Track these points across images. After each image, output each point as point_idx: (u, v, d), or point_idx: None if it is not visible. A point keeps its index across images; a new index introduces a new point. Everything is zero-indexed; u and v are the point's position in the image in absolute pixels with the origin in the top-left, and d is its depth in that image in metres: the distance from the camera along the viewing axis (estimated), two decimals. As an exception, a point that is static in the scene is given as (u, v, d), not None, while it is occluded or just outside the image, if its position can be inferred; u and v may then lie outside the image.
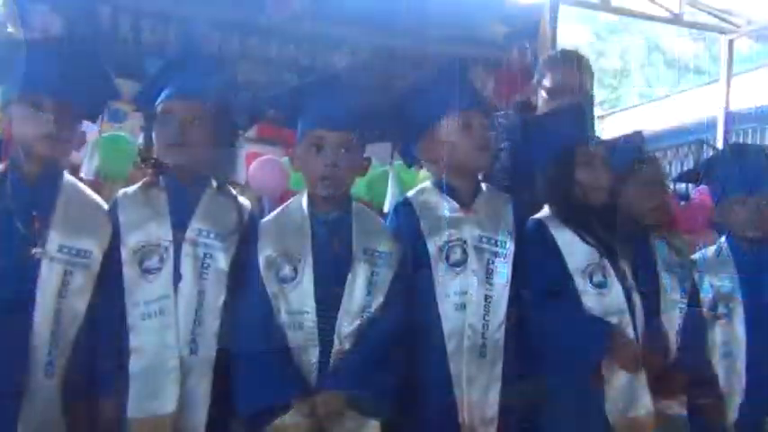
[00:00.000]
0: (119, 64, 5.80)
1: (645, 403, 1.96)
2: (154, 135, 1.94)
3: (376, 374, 1.82)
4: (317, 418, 1.75)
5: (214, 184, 1.97)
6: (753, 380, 2.25)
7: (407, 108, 2.08)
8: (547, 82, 2.62)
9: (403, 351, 1.89)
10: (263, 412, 1.78)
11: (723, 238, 2.46)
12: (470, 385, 1.87)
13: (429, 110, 2.06)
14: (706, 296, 2.33)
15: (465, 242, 1.96)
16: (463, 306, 1.92)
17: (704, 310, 2.31)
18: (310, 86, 2.05)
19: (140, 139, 3.45)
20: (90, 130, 3.65)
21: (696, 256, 2.49)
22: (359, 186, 3.45)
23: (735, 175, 2.41)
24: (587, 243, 2.04)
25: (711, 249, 2.47)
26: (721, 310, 2.31)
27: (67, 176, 1.91)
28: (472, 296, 1.92)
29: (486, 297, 1.93)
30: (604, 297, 2.00)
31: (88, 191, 1.93)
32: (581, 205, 2.09)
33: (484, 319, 1.91)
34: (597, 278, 2.01)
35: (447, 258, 1.96)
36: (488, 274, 1.95)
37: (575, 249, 2.04)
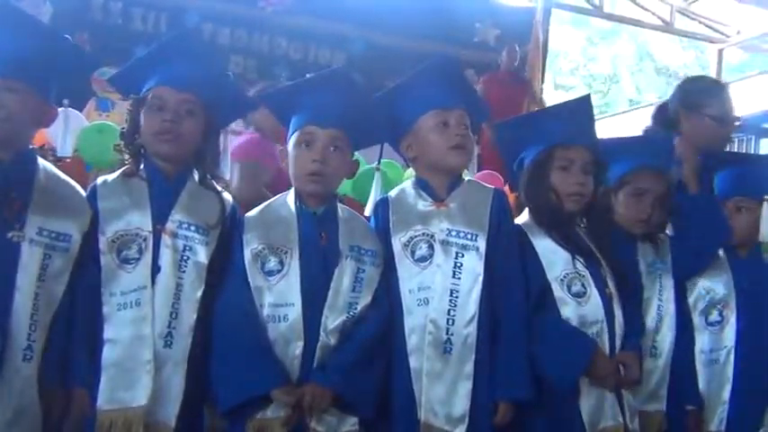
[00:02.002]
0: (107, 52, 5.81)
1: (614, 414, 1.93)
2: (142, 121, 1.88)
3: (362, 373, 1.81)
4: (298, 411, 1.73)
5: (196, 176, 1.93)
6: (742, 389, 2.22)
7: (392, 106, 2.08)
8: (714, 110, 2.63)
9: (385, 351, 1.87)
10: (244, 407, 1.76)
11: None
12: (432, 382, 1.83)
13: (410, 107, 2.03)
14: (699, 302, 2.31)
15: (432, 237, 1.93)
16: (426, 301, 1.88)
17: (695, 315, 2.30)
18: (305, 83, 2.02)
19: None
20: (76, 118, 3.66)
21: None
22: (345, 185, 3.46)
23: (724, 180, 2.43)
24: (566, 251, 2.00)
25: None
26: (714, 316, 2.30)
27: (41, 160, 1.88)
28: (436, 291, 1.89)
29: (452, 291, 1.87)
30: (582, 306, 1.96)
31: (64, 175, 1.89)
32: (557, 211, 2.05)
33: (449, 314, 1.86)
34: (576, 287, 1.97)
35: (412, 254, 1.93)
36: (456, 268, 1.90)
37: (553, 257, 2.00)
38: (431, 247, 1.92)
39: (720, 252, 2.35)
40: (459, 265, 1.91)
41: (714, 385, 2.23)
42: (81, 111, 4.05)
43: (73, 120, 3.40)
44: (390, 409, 1.87)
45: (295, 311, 1.78)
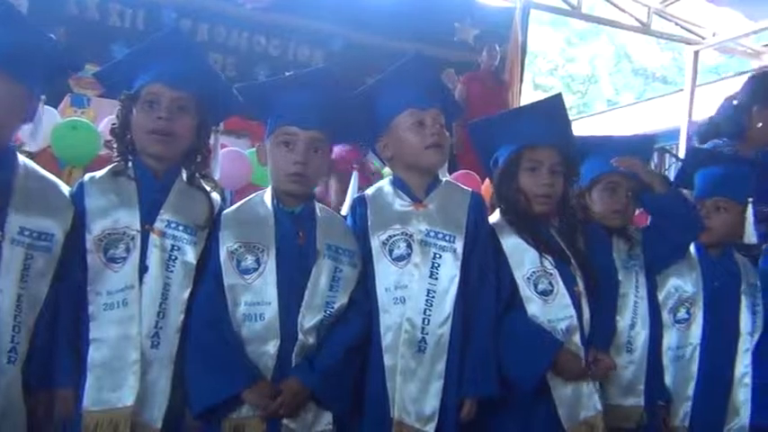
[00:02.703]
0: (85, 48, 5.74)
1: (593, 404, 1.96)
2: (134, 120, 1.86)
3: (341, 375, 1.82)
4: (273, 409, 1.73)
5: (185, 176, 1.92)
6: (706, 385, 2.27)
7: (367, 104, 2.07)
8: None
9: (362, 351, 1.89)
10: (218, 408, 1.74)
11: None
12: (406, 380, 1.84)
13: (385, 107, 2.04)
14: (668, 299, 2.35)
15: (411, 236, 1.94)
16: (403, 300, 1.89)
17: (665, 312, 2.33)
18: (286, 81, 2.02)
19: (101, 126, 3.39)
20: (49, 114, 3.61)
21: None
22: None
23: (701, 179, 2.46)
24: (534, 250, 2.02)
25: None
26: (682, 314, 2.34)
27: (22, 157, 1.85)
28: (413, 290, 1.90)
29: (429, 291, 1.89)
30: (549, 305, 1.99)
31: (46, 172, 1.87)
32: (526, 212, 2.07)
33: (424, 313, 1.88)
34: (543, 285, 2.00)
35: (390, 252, 1.94)
36: (433, 268, 1.91)
37: (521, 256, 2.03)
38: (409, 246, 1.93)
39: (692, 251, 2.38)
40: (436, 265, 1.92)
41: (680, 381, 2.28)
42: (56, 107, 4.00)
43: (45, 116, 3.36)
44: (363, 406, 1.88)
45: (271, 310, 1.78)
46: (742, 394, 2.25)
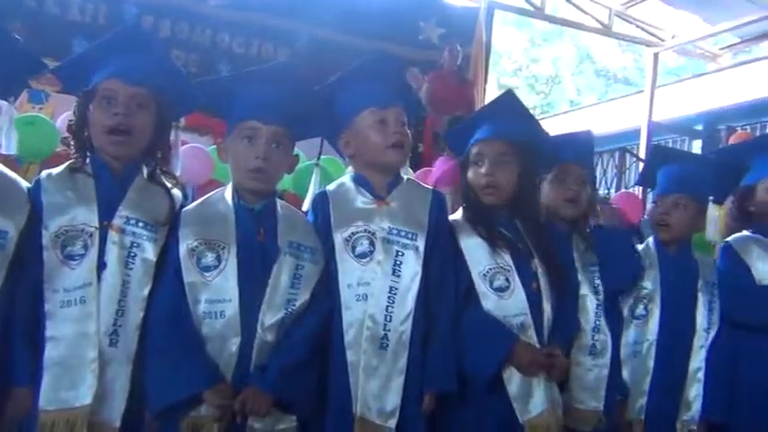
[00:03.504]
0: (44, 43, 5.63)
1: (540, 402, 1.96)
2: (91, 117, 1.82)
3: (303, 374, 1.80)
4: (235, 414, 1.71)
5: (145, 172, 1.89)
6: (661, 380, 2.30)
7: (329, 100, 2.07)
8: None
9: (323, 349, 1.88)
10: (177, 407, 1.70)
11: (651, 239, 2.50)
12: (368, 376, 1.84)
13: (348, 104, 2.03)
14: (627, 296, 2.37)
15: (373, 234, 1.93)
16: (365, 297, 1.88)
17: (624, 309, 2.36)
18: (248, 76, 1.98)
19: (59, 122, 3.32)
20: (7, 110, 3.53)
21: None
22: (286, 180, 3.44)
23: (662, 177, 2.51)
24: (490, 246, 2.03)
25: (638, 249, 2.48)
26: (640, 310, 2.37)
27: None
28: (375, 287, 1.90)
29: (391, 288, 1.89)
30: (505, 301, 1.98)
31: (4, 168, 1.82)
32: (477, 206, 2.10)
33: (387, 310, 1.88)
34: (498, 282, 2.01)
35: (353, 249, 1.94)
36: (396, 265, 1.91)
37: (477, 253, 2.04)
38: (372, 244, 1.93)
39: (652, 248, 2.43)
40: (398, 263, 1.93)
41: (636, 376, 2.32)
42: (14, 103, 3.91)
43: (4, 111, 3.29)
44: (326, 403, 1.87)
45: (232, 307, 1.76)
46: (695, 389, 2.29)
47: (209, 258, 1.79)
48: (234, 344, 1.75)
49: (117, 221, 1.77)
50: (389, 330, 1.88)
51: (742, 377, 2.33)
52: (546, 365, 1.97)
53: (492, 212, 2.09)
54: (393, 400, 1.85)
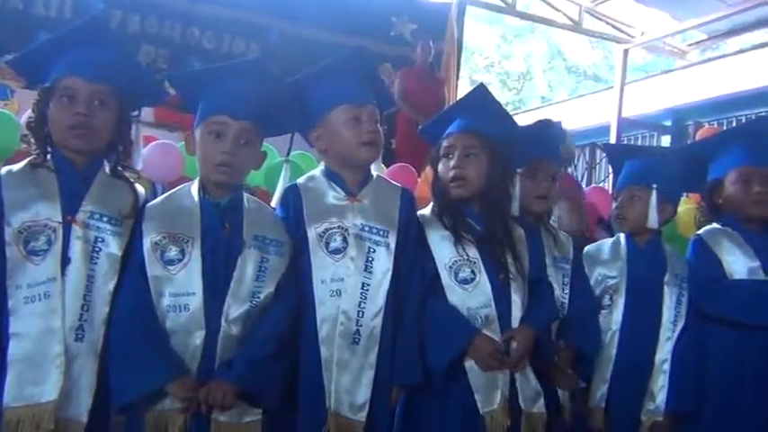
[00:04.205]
0: (7, 38, 5.51)
1: (498, 397, 1.97)
2: (51, 115, 1.81)
3: (269, 366, 1.80)
4: (199, 405, 1.71)
5: (107, 167, 1.89)
6: (625, 368, 2.34)
7: (302, 95, 2.07)
8: None
9: (291, 342, 1.89)
10: (142, 400, 1.71)
11: (622, 234, 2.52)
12: (341, 371, 1.87)
13: (321, 99, 2.04)
14: (595, 287, 2.41)
15: (346, 230, 1.96)
16: (338, 292, 1.91)
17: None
18: (219, 70, 2.00)
19: (23, 119, 3.26)
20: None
21: (591, 247, 2.57)
22: (257, 175, 3.41)
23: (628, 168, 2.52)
24: (456, 239, 2.05)
25: (608, 242, 2.54)
26: (606, 301, 2.41)
27: None
28: (349, 283, 1.92)
29: (364, 285, 1.92)
30: (469, 293, 2.01)
31: None
32: (451, 200, 2.11)
33: (359, 306, 1.91)
34: (464, 274, 2.03)
35: (326, 245, 1.95)
36: (368, 262, 1.94)
37: (443, 246, 2.06)
38: (345, 240, 1.95)
39: (622, 241, 2.47)
40: (370, 259, 1.96)
41: (598, 364, 2.36)
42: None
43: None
44: (297, 398, 1.89)
45: (196, 301, 1.77)
46: (660, 380, 2.32)
47: (173, 252, 1.79)
48: (198, 337, 1.75)
49: (80, 216, 1.77)
50: (361, 326, 1.91)
51: (710, 370, 2.36)
52: (505, 363, 1.97)
53: (460, 205, 2.11)
54: (364, 393, 1.88)
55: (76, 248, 1.74)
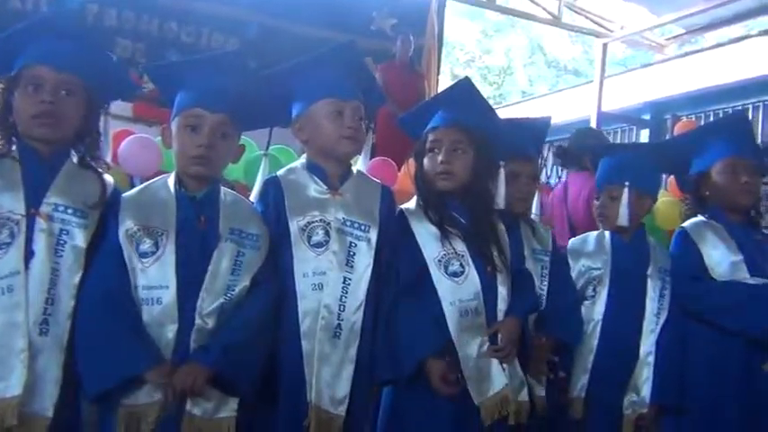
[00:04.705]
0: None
1: (500, 379, 1.99)
2: (16, 103, 1.78)
3: (244, 353, 1.79)
4: (176, 393, 1.69)
5: (74, 157, 1.86)
6: (608, 360, 2.37)
7: (286, 83, 2.05)
8: None
9: (270, 334, 1.88)
10: (115, 392, 1.69)
11: None
12: (322, 365, 1.88)
13: (306, 90, 2.04)
14: (579, 279, 2.44)
15: (329, 224, 1.96)
16: (320, 286, 1.92)
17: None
18: (195, 62, 1.99)
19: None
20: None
21: (576, 239, 2.60)
22: (236, 169, 3.39)
23: (603, 168, 2.55)
24: (443, 233, 2.06)
25: (593, 234, 2.56)
26: (589, 292, 2.43)
27: None
28: (330, 277, 1.92)
29: (345, 279, 1.93)
30: (459, 285, 2.02)
31: None
32: (436, 193, 2.11)
33: (341, 300, 1.92)
34: (453, 267, 2.04)
35: (308, 239, 1.95)
36: (349, 256, 1.95)
37: (431, 240, 2.06)
38: (327, 234, 1.95)
39: (606, 233, 2.48)
40: (352, 253, 1.96)
41: (580, 354, 2.38)
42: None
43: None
44: (278, 391, 1.88)
45: (169, 294, 1.75)
46: (645, 372, 2.34)
47: (147, 245, 1.77)
48: (171, 331, 1.73)
49: (45, 209, 1.74)
50: (343, 320, 1.91)
51: (692, 366, 2.38)
52: (453, 390, 1.96)
53: (445, 199, 2.11)
54: (344, 387, 1.88)
55: (40, 241, 1.71)
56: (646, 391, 2.33)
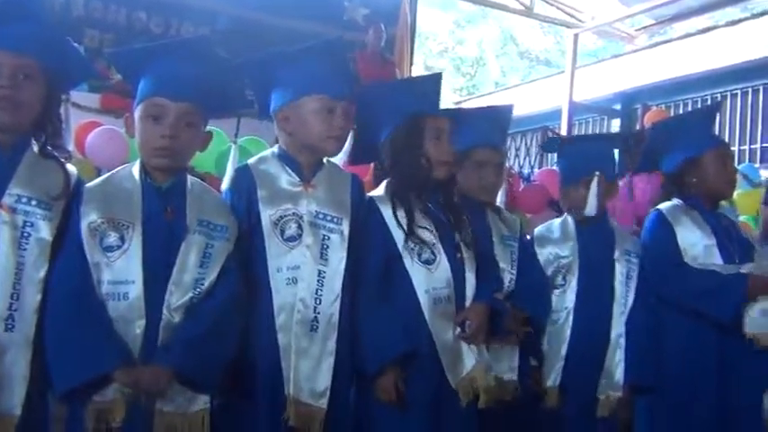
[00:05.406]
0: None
1: (469, 358, 2.02)
2: None
3: (209, 349, 1.73)
4: (141, 393, 1.66)
5: (35, 147, 1.78)
6: (580, 346, 2.37)
7: (274, 70, 2.00)
8: None
9: (237, 326, 1.84)
10: (83, 391, 1.63)
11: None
12: (299, 359, 1.85)
13: (298, 82, 1.97)
14: (547, 267, 2.44)
15: (301, 217, 1.93)
16: (295, 280, 1.88)
17: None
18: (159, 48, 1.91)
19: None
20: None
21: (542, 227, 2.60)
22: (207, 161, 3.36)
23: (574, 160, 2.56)
24: (411, 220, 2.04)
25: (557, 222, 2.57)
26: (559, 280, 2.44)
27: None
28: (305, 271, 1.90)
29: (320, 272, 1.90)
30: (432, 273, 2.02)
31: None
32: (421, 178, 2.10)
33: (316, 293, 1.89)
34: (426, 255, 2.04)
35: (281, 233, 1.92)
36: (323, 249, 1.92)
37: (400, 227, 2.04)
38: (300, 227, 1.92)
39: (570, 220, 2.50)
40: (326, 247, 1.93)
41: (553, 343, 2.38)
42: None
43: None
44: (254, 386, 1.86)
45: (136, 289, 1.70)
46: (617, 355, 2.36)
47: (112, 238, 1.71)
48: (138, 326, 1.69)
49: (7, 200, 1.67)
50: (319, 313, 1.89)
51: (667, 349, 2.41)
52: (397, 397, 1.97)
53: (424, 188, 2.11)
54: (324, 380, 1.87)
55: (4, 234, 1.65)
56: (619, 373, 2.35)
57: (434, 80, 2.26)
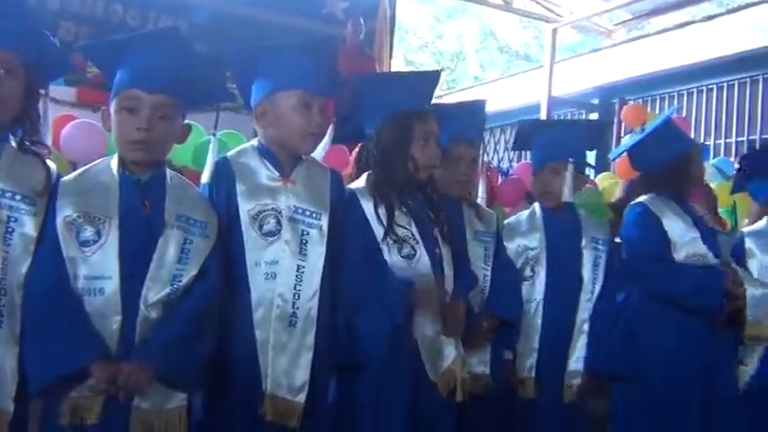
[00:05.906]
0: None
1: (450, 352, 2.05)
2: None
3: (188, 347, 1.73)
4: (118, 390, 1.64)
5: (13, 142, 1.77)
6: (550, 334, 2.42)
7: (254, 63, 2.00)
8: None
9: (216, 324, 1.83)
10: (59, 387, 1.63)
11: (537, 204, 2.61)
12: (277, 354, 1.86)
13: (277, 76, 1.97)
14: (516, 259, 2.48)
15: (280, 212, 1.93)
16: (273, 275, 1.89)
17: None
18: (132, 40, 1.89)
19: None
20: None
21: (511, 219, 2.64)
22: (185, 155, 3.33)
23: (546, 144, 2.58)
24: (392, 215, 2.06)
25: (525, 213, 2.61)
26: (527, 272, 2.47)
27: None
28: (283, 266, 1.90)
29: (299, 267, 1.91)
30: (413, 268, 2.04)
31: None
32: (404, 179, 2.11)
33: (295, 288, 1.89)
34: (406, 249, 2.06)
35: (260, 227, 1.92)
36: (302, 245, 1.93)
37: (380, 222, 2.05)
38: (278, 222, 1.92)
39: (537, 211, 2.53)
40: (304, 242, 1.93)
41: (525, 335, 2.41)
42: None
43: None
44: (232, 381, 1.86)
45: (112, 284, 1.68)
46: (580, 340, 2.40)
47: (89, 233, 1.70)
48: (115, 322, 1.68)
49: None
50: (298, 308, 1.89)
51: (651, 342, 2.45)
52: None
53: (406, 185, 2.12)
54: (302, 375, 1.87)
55: None
56: (581, 358, 2.39)
57: (432, 78, 2.26)
